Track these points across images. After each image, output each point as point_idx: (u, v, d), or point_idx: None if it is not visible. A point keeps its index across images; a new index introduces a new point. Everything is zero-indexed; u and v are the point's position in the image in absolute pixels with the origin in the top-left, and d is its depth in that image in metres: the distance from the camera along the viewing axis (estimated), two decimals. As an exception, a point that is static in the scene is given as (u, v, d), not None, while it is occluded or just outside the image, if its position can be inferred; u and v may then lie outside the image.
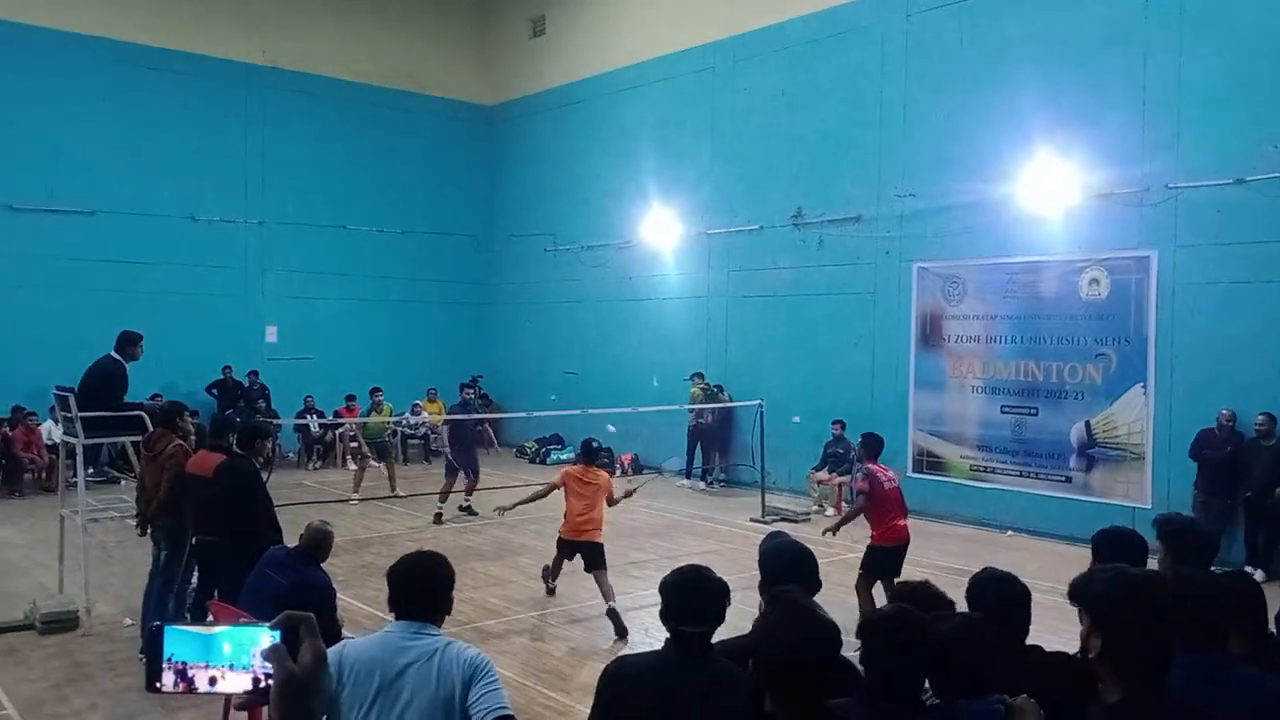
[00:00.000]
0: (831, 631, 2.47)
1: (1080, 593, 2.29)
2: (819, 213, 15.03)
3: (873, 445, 8.34)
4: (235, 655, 1.34)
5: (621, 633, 8.02)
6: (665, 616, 3.10)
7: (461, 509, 13.21)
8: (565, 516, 8.75)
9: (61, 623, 7.89)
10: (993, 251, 12.97)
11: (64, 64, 16.51)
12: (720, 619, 3.09)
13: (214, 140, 18.12)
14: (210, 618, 6.43)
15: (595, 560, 8.47)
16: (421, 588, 3.27)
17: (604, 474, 9.06)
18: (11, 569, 9.84)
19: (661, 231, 17.62)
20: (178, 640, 1.34)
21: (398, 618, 3.24)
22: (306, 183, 19.08)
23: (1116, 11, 11.84)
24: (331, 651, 3.22)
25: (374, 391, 15.64)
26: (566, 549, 8.81)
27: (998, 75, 12.88)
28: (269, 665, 1.30)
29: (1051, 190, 12.27)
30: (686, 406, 15.56)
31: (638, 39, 18.20)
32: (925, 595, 3.38)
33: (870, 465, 8.14)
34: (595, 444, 9.46)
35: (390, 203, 20.12)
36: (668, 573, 3.20)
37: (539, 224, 20.34)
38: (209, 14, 18.11)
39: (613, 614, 8.08)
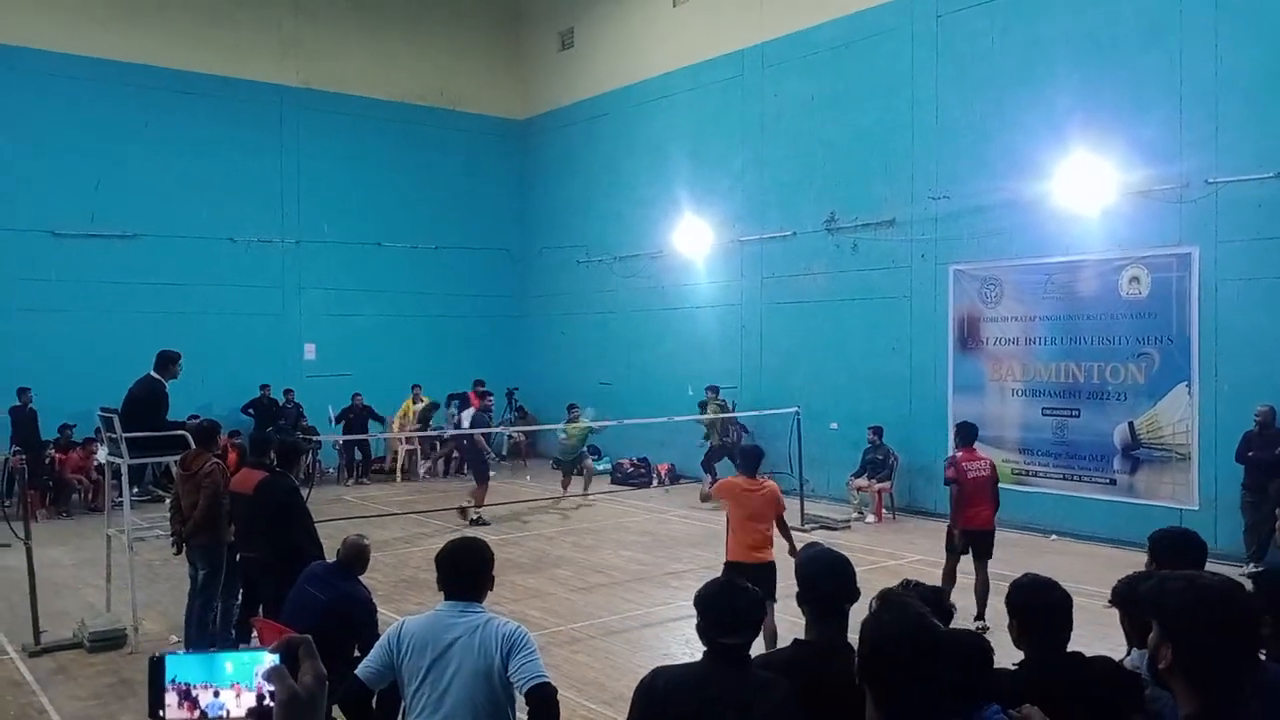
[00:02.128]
0: (938, 636, 2.41)
1: (1150, 602, 2.20)
2: (852, 217, 14.93)
3: (962, 433, 8.64)
4: (237, 675, 1.37)
5: None
6: (701, 630, 3.08)
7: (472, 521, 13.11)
8: (729, 538, 7.13)
9: (109, 641, 7.99)
10: (1030, 252, 12.81)
11: (102, 91, 16.83)
12: (756, 629, 3.09)
13: (250, 162, 18.39)
14: (254, 634, 6.50)
15: (767, 589, 6.34)
16: (465, 570, 3.68)
17: (771, 484, 7.23)
18: (60, 588, 9.98)
19: (694, 240, 17.60)
20: (180, 665, 1.37)
21: (446, 598, 3.64)
22: (342, 201, 19.31)
23: (1152, 6, 11.67)
24: (392, 627, 3.69)
25: (571, 407, 15.32)
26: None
27: (1031, 73, 12.74)
28: (271, 684, 1.33)
29: (1088, 188, 12.08)
30: (704, 416, 15.49)
31: (666, 49, 18.23)
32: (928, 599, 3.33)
33: (958, 454, 8.45)
34: (758, 450, 7.57)
35: (424, 219, 20.29)
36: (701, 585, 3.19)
37: (572, 236, 20.41)
38: (242, 38, 18.40)
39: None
